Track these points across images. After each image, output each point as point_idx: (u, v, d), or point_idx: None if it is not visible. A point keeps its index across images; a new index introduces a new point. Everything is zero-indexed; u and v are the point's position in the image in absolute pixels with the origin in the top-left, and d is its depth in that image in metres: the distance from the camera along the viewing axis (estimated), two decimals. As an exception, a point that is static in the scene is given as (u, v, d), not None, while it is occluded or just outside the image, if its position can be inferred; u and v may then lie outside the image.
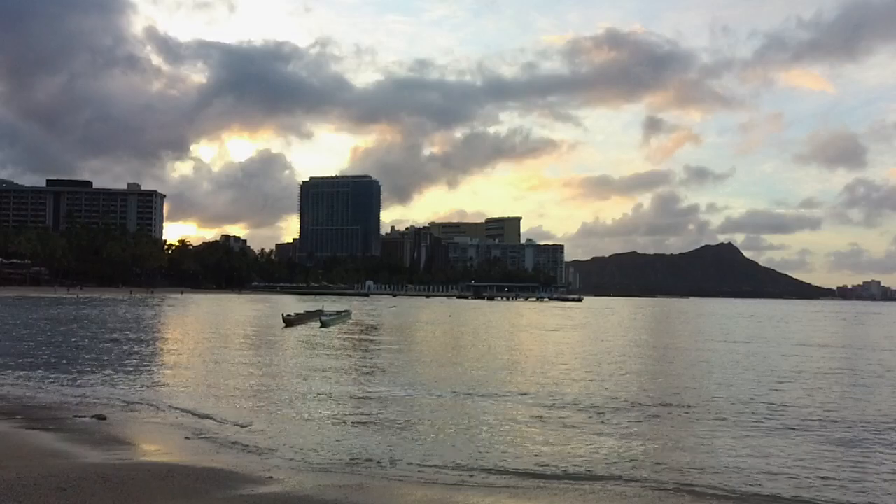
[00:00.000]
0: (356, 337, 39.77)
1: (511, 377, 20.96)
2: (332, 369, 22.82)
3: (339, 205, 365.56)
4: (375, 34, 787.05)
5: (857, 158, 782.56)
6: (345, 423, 13.90)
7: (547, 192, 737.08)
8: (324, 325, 48.68)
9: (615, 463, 10.93)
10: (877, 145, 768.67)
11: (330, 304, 76.67)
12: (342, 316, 57.87)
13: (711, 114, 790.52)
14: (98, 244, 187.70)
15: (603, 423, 14.02)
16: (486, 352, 30.79)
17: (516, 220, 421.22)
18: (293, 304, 77.59)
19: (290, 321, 49.28)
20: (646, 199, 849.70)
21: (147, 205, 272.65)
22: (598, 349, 31.64)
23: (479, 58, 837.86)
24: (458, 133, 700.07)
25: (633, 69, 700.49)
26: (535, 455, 11.36)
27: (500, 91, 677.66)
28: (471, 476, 10.12)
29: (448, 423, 13.83)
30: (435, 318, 70.19)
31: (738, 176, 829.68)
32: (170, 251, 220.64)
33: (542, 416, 14.54)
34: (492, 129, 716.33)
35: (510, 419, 14.38)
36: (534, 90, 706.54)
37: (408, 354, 29.61)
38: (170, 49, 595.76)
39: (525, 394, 17.52)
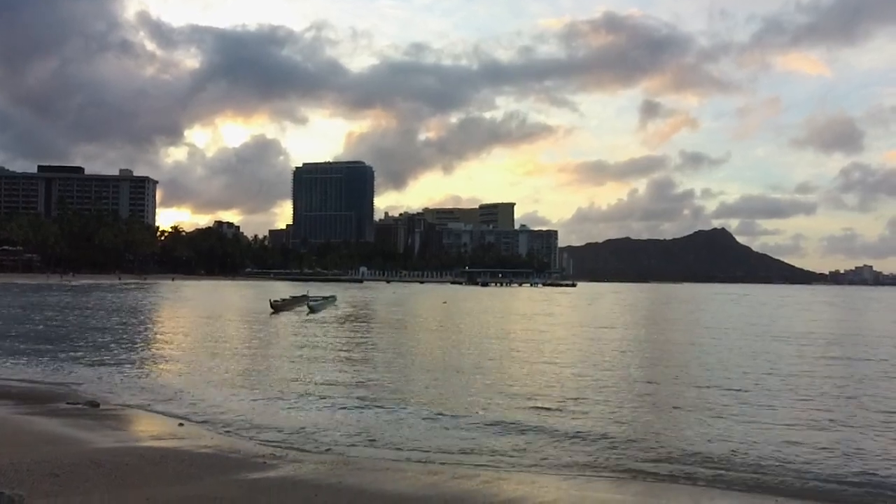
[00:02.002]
0: (347, 325, 39.73)
1: (508, 375, 20.70)
2: (323, 358, 22.71)
3: (333, 190, 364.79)
4: (371, 17, 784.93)
5: (854, 143, 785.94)
6: (339, 408, 13.88)
7: (542, 178, 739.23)
8: (312, 310, 48.77)
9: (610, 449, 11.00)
10: (874, 129, 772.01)
11: (322, 291, 76.51)
12: (329, 301, 58.32)
13: (708, 98, 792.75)
14: (90, 230, 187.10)
15: (595, 413, 13.99)
16: (478, 343, 30.73)
17: (510, 206, 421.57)
18: (286, 290, 77.45)
19: (277, 307, 49.34)
20: (641, 185, 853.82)
21: (139, 191, 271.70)
22: (586, 343, 31.67)
23: (475, 41, 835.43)
24: (454, 118, 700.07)
25: (630, 53, 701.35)
26: (531, 444, 11.40)
27: (496, 75, 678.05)
28: (467, 458, 10.16)
29: (442, 412, 13.80)
30: (431, 302, 70.32)
31: (734, 161, 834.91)
32: (162, 237, 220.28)
33: (535, 410, 14.47)
34: (488, 114, 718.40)
35: (507, 411, 14.36)
36: (530, 74, 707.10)
37: (402, 345, 29.50)
38: (163, 34, 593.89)
39: (523, 390, 17.47)
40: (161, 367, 19.71)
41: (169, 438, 11.04)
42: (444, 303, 71.66)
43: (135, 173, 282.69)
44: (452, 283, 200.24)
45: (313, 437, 11.28)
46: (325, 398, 14.71)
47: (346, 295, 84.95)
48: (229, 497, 7.86)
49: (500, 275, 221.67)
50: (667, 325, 44.47)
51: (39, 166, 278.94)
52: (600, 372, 19.42)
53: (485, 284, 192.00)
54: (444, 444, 10.91)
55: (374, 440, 11.12)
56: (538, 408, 13.94)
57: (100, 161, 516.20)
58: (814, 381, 18.29)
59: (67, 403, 13.74)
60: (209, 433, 11.47)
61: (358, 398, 14.80)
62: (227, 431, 11.64)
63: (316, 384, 16.57)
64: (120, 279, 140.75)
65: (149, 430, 11.87)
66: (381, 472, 9.32)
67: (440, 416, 13.06)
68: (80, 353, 22.20)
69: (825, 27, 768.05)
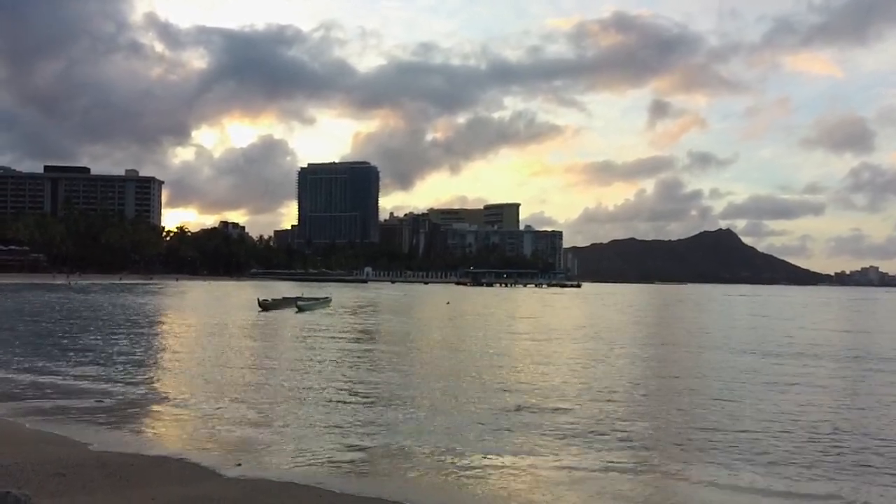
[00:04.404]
0: (341, 325, 39.66)
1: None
2: (321, 362, 22.44)
3: (338, 191, 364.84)
4: (379, 17, 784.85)
5: (865, 143, 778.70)
6: (336, 417, 13.85)
7: (549, 178, 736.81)
8: (300, 309, 48.44)
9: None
10: (885, 129, 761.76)
11: (326, 291, 76.40)
12: (321, 302, 56.72)
13: (717, 98, 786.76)
14: (96, 230, 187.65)
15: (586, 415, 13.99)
16: (478, 345, 30.69)
17: (515, 207, 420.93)
18: (288, 291, 77.12)
19: (266, 306, 49.16)
20: (648, 185, 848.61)
21: (145, 191, 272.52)
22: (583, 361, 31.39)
23: (483, 41, 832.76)
24: (462, 118, 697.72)
25: (640, 53, 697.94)
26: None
27: (504, 75, 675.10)
28: (468, 463, 10.21)
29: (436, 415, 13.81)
30: (434, 305, 70.22)
31: (743, 161, 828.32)
32: (168, 238, 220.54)
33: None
34: (496, 115, 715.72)
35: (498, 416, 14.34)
36: (538, 74, 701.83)
37: (401, 347, 29.45)
38: (170, 35, 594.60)
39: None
40: (159, 370, 19.45)
41: (172, 440, 11.14)
42: (448, 303, 71.82)
43: (142, 173, 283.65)
44: (457, 283, 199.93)
45: (314, 443, 11.07)
46: (323, 407, 14.19)
47: (348, 296, 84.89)
48: (232, 497, 7.95)
49: (505, 275, 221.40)
50: (673, 332, 44.34)
51: (46, 166, 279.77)
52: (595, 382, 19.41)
53: (489, 285, 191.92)
54: (444, 451, 10.72)
55: (375, 446, 10.96)
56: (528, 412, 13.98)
57: (107, 161, 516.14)
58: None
59: (70, 404, 13.84)
60: (210, 436, 11.49)
61: (356, 409, 14.67)
62: (228, 434, 11.56)
63: (313, 394, 15.75)
64: (121, 279, 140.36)
65: (152, 431, 11.97)
66: (384, 477, 9.35)
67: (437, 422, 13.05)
68: (80, 355, 22.18)
69: (836, 27, 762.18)
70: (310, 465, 9.72)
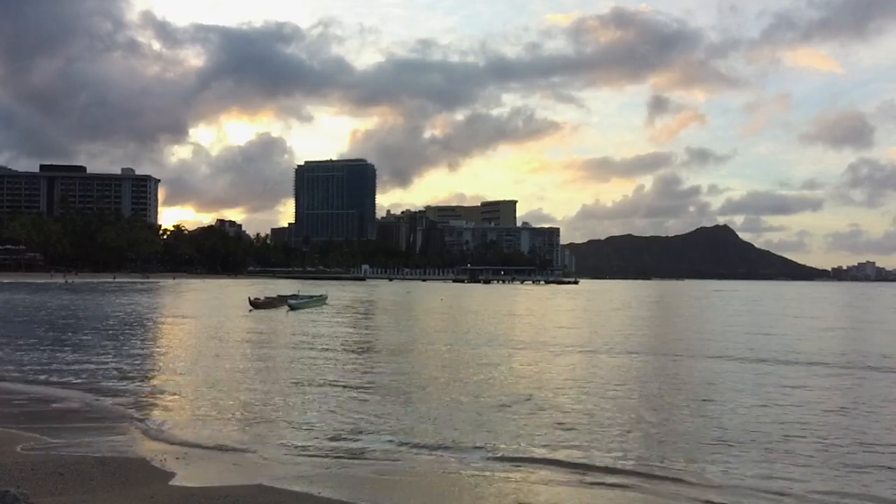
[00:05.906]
0: (332, 325, 39.50)
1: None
2: (305, 367, 22.37)
3: (335, 189, 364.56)
4: (378, 14, 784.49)
5: (864, 138, 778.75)
6: (321, 420, 13.76)
7: (548, 175, 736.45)
8: (292, 308, 47.86)
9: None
10: (885, 124, 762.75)
11: (323, 289, 75.99)
12: (315, 300, 55.29)
13: (716, 94, 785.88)
14: (93, 229, 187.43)
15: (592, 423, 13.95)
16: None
17: (512, 204, 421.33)
18: (286, 288, 76.60)
19: (257, 304, 48.70)
20: (647, 182, 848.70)
21: (141, 190, 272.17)
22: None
23: (482, 38, 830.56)
24: (460, 115, 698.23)
25: (639, 49, 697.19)
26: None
27: (502, 72, 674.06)
28: (462, 469, 10.21)
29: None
30: (430, 303, 70.15)
31: (741, 157, 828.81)
32: (165, 236, 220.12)
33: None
34: (494, 111, 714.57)
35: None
36: (537, 71, 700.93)
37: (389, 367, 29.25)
38: (167, 33, 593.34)
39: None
40: (156, 371, 19.23)
41: (170, 441, 11.12)
42: (441, 300, 71.98)
43: (139, 172, 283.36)
44: (455, 280, 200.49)
45: (306, 450, 10.73)
46: (319, 416, 13.57)
47: (346, 294, 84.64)
48: (234, 496, 7.94)
49: (503, 272, 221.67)
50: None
51: (42, 165, 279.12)
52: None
53: (487, 282, 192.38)
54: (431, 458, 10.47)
55: (366, 449, 10.78)
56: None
57: (104, 159, 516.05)
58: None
59: (68, 406, 13.83)
60: (209, 437, 11.45)
61: (348, 417, 14.58)
62: (226, 439, 11.45)
63: (307, 402, 15.02)
64: (115, 278, 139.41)
65: (150, 430, 11.95)
66: (369, 484, 9.13)
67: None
68: (76, 355, 22.08)
69: (837, 22, 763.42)
70: (298, 470, 9.51)
